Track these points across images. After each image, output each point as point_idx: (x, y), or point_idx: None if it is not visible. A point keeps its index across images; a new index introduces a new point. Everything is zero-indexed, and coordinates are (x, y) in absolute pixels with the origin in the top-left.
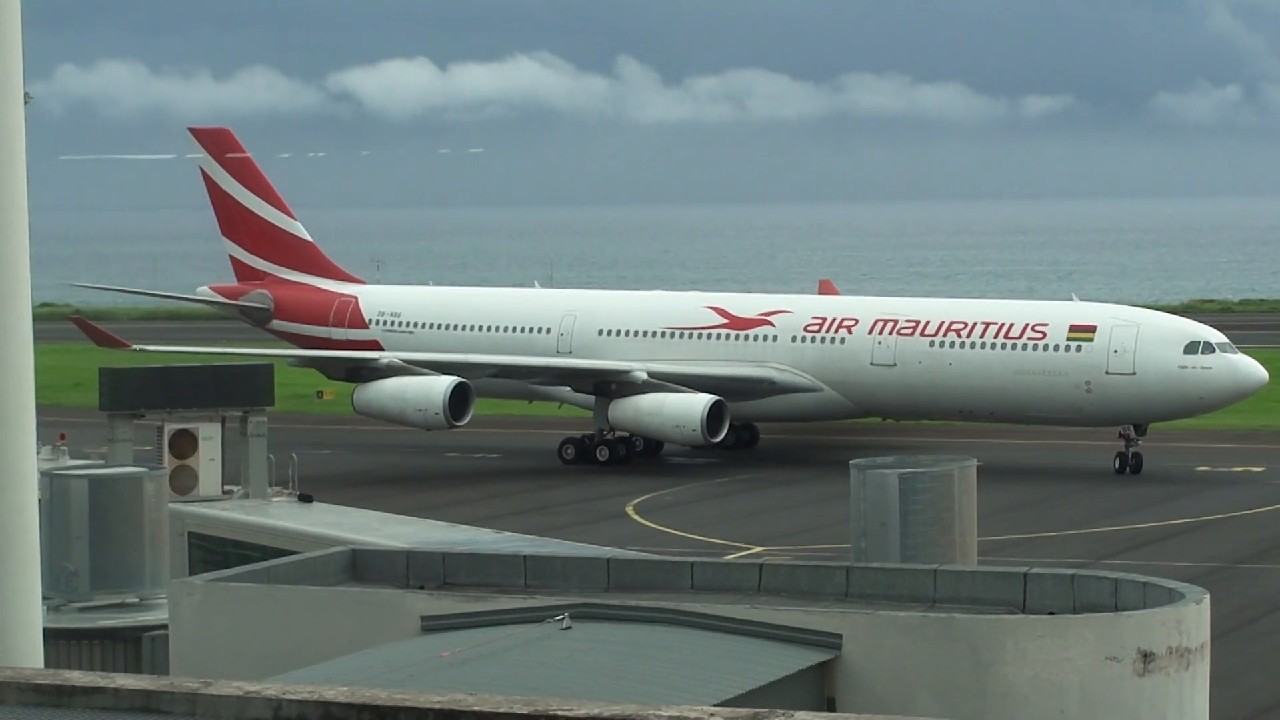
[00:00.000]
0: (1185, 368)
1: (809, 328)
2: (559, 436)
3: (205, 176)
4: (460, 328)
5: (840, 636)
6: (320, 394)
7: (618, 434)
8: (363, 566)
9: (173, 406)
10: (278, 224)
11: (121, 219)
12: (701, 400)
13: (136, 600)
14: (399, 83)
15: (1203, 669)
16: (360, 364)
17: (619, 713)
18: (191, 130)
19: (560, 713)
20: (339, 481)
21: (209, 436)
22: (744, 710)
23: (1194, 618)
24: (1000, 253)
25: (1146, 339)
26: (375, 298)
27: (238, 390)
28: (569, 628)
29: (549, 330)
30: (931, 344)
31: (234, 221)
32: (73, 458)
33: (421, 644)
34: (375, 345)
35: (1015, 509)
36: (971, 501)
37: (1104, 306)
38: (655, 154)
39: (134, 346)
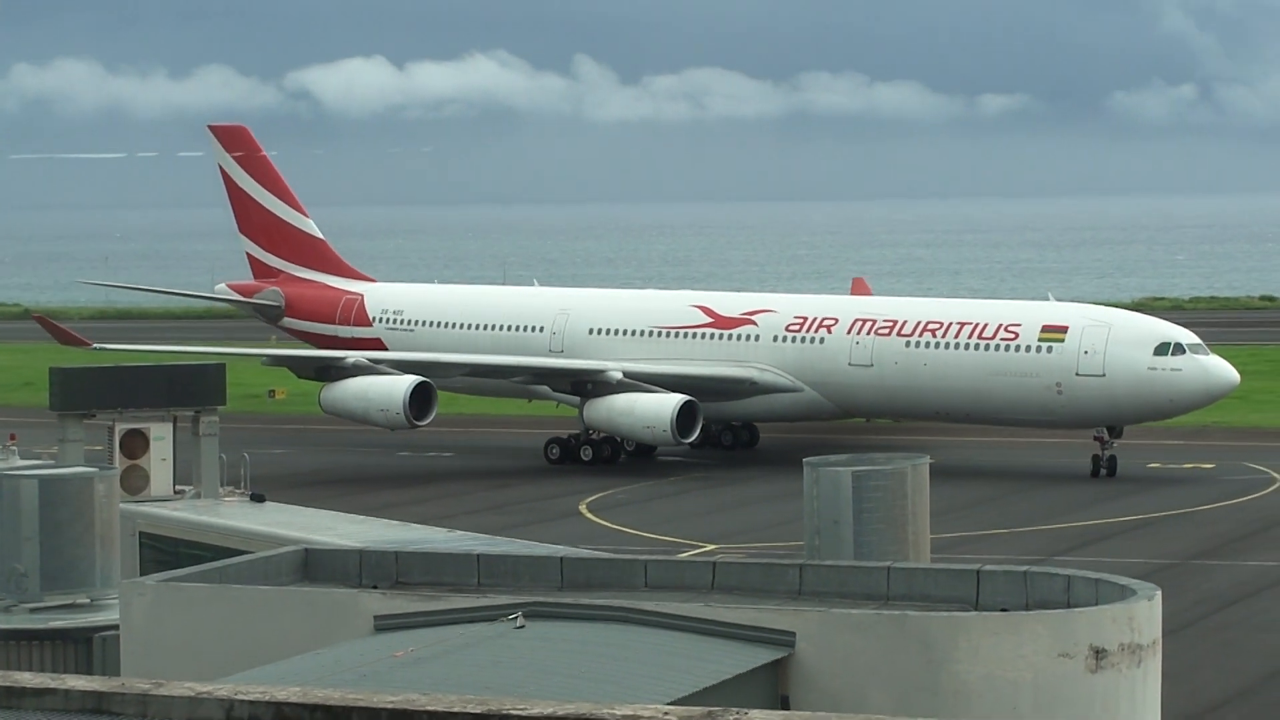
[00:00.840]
0: (1155, 369)
1: (790, 327)
2: (536, 435)
3: (223, 174)
4: (458, 326)
5: (794, 634)
6: (272, 393)
7: (604, 434)
8: (315, 566)
9: (124, 406)
10: (290, 221)
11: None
12: (672, 401)
13: (87, 601)
14: (357, 81)
15: (1154, 665)
16: (327, 363)
17: (573, 712)
18: (211, 128)
19: (514, 712)
20: (291, 481)
21: (160, 436)
22: (698, 708)
23: (1146, 614)
24: (956, 251)
25: (1117, 340)
26: (380, 296)
27: (189, 390)
28: (522, 626)
29: (542, 329)
30: (907, 344)
31: (250, 219)
32: (23, 458)
33: (374, 643)
34: (378, 343)
35: (968, 507)
36: (924, 499)
37: (1078, 306)
38: (615, 152)
39: (94, 345)
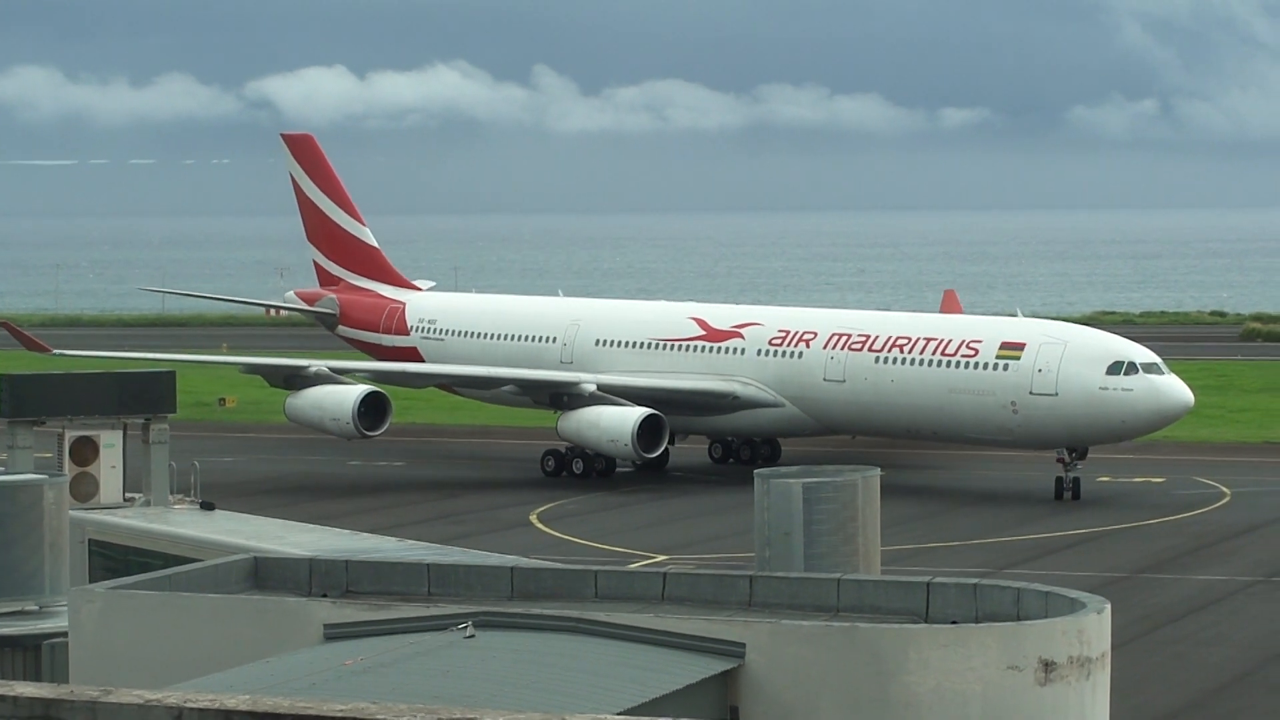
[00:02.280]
0: (1106, 389)
1: (773, 341)
2: (534, 446)
3: (293, 182)
4: (483, 336)
5: (744, 645)
6: (223, 401)
7: (576, 447)
8: (265, 574)
9: (74, 413)
10: (348, 229)
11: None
12: (634, 414)
13: (36, 608)
14: (317, 90)
15: (1103, 678)
16: (292, 372)
17: None
18: (283, 136)
19: None
20: (241, 489)
21: (110, 444)
22: (648, 719)
23: (1095, 627)
24: (915, 264)
25: (1071, 358)
26: (419, 305)
27: (139, 397)
28: (472, 636)
29: (555, 340)
30: (877, 360)
31: (315, 227)
32: None
33: (324, 652)
34: (414, 352)
35: (919, 519)
36: (875, 511)
37: (1039, 323)
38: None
39: (54, 351)
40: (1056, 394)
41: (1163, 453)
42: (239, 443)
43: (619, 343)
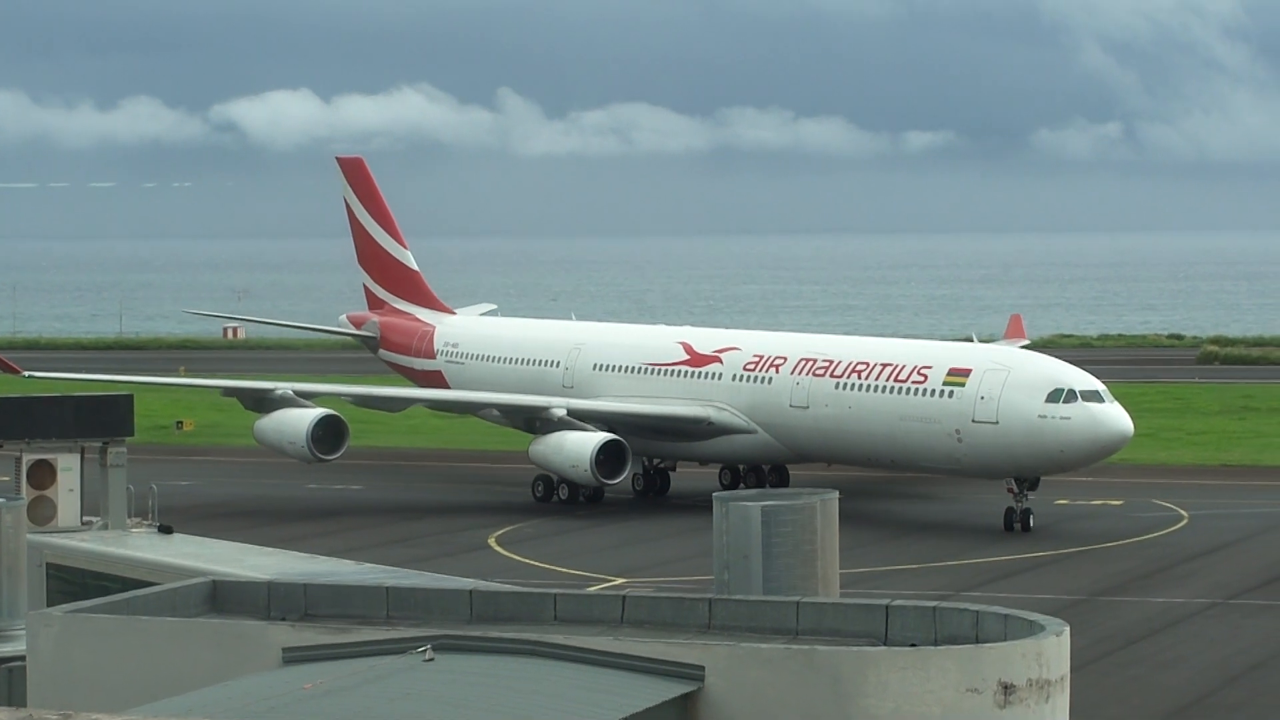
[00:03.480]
0: (1045, 417)
1: (748, 366)
2: (530, 471)
3: (346, 206)
4: (497, 360)
5: (703, 668)
6: (180, 424)
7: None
8: (223, 598)
9: (31, 436)
10: (392, 253)
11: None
12: (594, 439)
13: None
14: (283, 114)
15: (1062, 701)
16: (260, 395)
17: None
18: (337, 159)
19: None
20: (199, 513)
21: (68, 467)
22: None
23: (1054, 650)
24: (882, 287)
25: (1013, 385)
26: (448, 329)
27: (97, 420)
28: (431, 659)
29: (558, 364)
30: (838, 386)
31: (364, 250)
32: None
33: (283, 676)
34: (439, 376)
35: (878, 542)
36: (834, 533)
37: (987, 348)
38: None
39: (25, 373)
40: (997, 422)
41: (1121, 475)
42: (197, 466)
43: (614, 367)
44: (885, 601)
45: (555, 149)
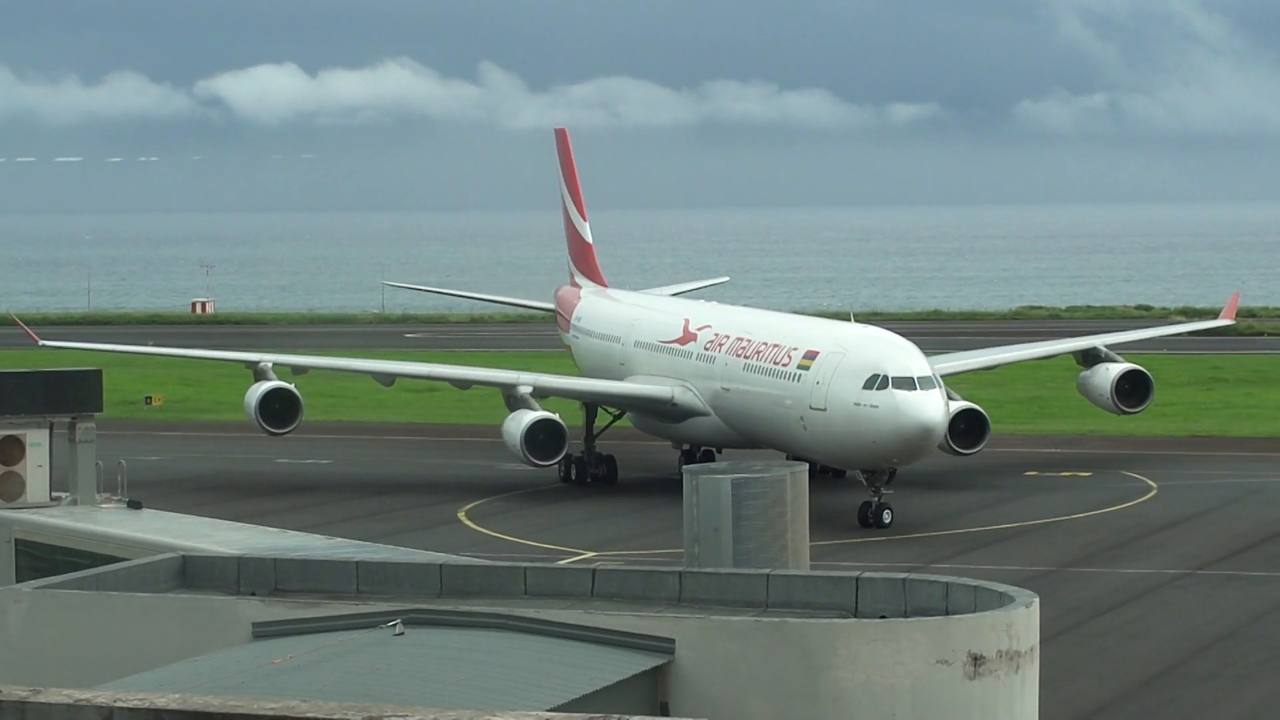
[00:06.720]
0: (859, 405)
1: (709, 345)
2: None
3: (561, 180)
4: (594, 336)
5: (673, 641)
6: (149, 399)
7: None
8: (193, 573)
9: None
10: (576, 226)
11: None
12: (526, 418)
13: None
14: (269, 88)
15: (1032, 672)
16: (249, 366)
17: (453, 719)
18: (556, 130)
19: (394, 718)
20: (168, 488)
21: (36, 443)
22: (578, 715)
23: (1023, 621)
24: (858, 260)
25: (843, 370)
26: (585, 304)
27: (66, 396)
28: (402, 634)
29: (620, 341)
30: (745, 367)
31: (566, 224)
32: None
33: (253, 650)
34: (570, 351)
35: (848, 513)
36: (804, 506)
37: (846, 328)
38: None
39: (40, 343)
40: (825, 409)
41: (1090, 447)
42: (166, 441)
43: (646, 344)
44: (855, 573)
45: (543, 122)
